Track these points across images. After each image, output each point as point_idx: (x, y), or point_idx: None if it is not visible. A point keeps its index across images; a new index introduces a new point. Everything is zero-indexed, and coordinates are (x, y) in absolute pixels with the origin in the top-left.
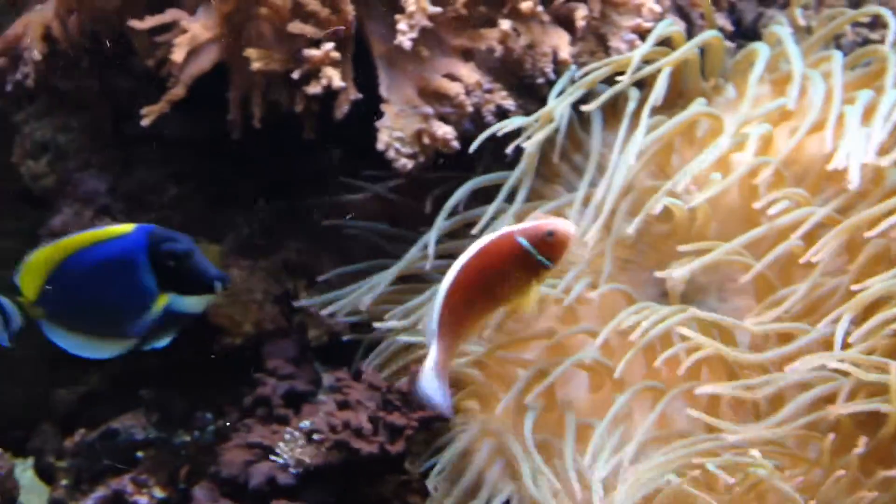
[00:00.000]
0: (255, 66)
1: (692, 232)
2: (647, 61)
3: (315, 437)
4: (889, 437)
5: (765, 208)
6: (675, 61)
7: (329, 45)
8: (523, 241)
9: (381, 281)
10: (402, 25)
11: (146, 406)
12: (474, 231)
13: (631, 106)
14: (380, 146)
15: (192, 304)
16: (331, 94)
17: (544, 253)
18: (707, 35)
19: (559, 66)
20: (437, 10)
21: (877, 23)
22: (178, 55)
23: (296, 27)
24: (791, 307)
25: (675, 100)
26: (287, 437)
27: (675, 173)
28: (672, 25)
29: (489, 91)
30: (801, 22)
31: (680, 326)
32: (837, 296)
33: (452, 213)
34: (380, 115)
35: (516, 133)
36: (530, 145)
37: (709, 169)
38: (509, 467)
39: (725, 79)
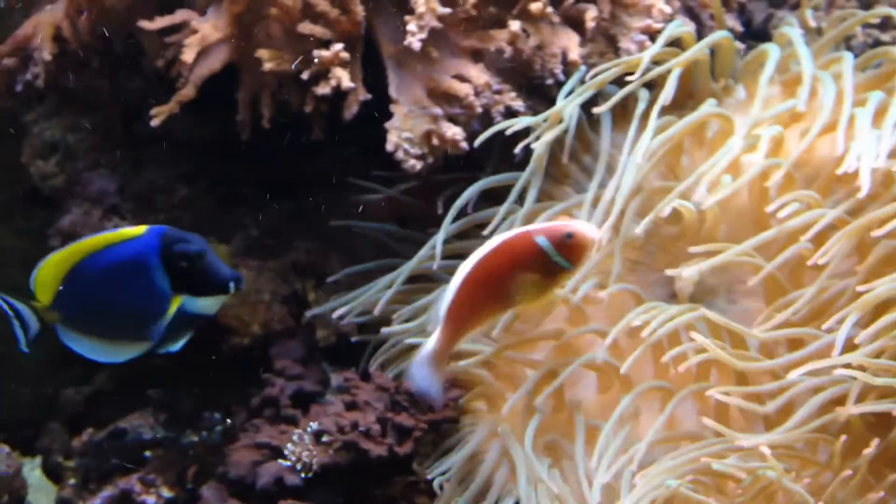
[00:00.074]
0: (267, 66)
1: (701, 234)
2: (656, 62)
3: (324, 438)
4: None
5: (776, 211)
6: (686, 61)
7: (338, 46)
8: (542, 241)
9: (393, 282)
10: (411, 26)
11: (154, 406)
12: (485, 232)
13: (641, 107)
14: (389, 147)
15: (206, 305)
16: (340, 94)
17: (563, 255)
18: (717, 35)
19: (569, 67)
20: (447, 10)
21: (888, 24)
22: (188, 55)
23: (306, 28)
24: (799, 310)
25: (686, 101)
26: (295, 438)
27: (685, 174)
28: (682, 26)
29: (498, 92)
30: (812, 23)
31: (690, 330)
32: (846, 298)
33: (461, 214)
34: (389, 115)
35: (525, 134)
36: (539, 146)
37: (720, 172)
38: (514, 472)
39: (735, 80)
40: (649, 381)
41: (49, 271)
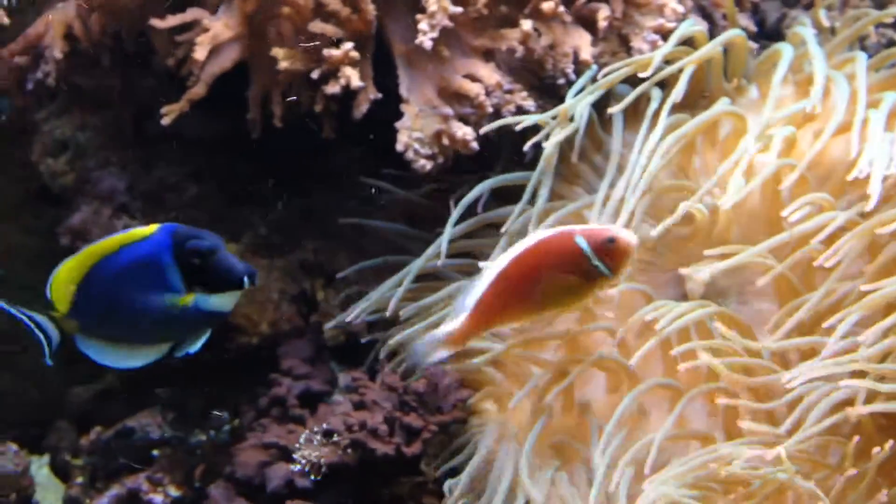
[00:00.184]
0: (283, 65)
1: (714, 235)
2: (669, 61)
3: (331, 438)
4: None
5: (789, 215)
6: (699, 59)
7: (348, 45)
8: (582, 243)
9: (403, 281)
10: (423, 25)
11: (162, 405)
12: (503, 230)
13: (653, 106)
14: (399, 147)
15: (221, 302)
16: (350, 93)
17: (602, 259)
18: (731, 34)
19: (580, 67)
20: (459, 9)
21: None
22: (200, 53)
23: (317, 26)
24: (808, 313)
25: (698, 100)
26: (303, 438)
27: (696, 174)
28: (695, 25)
29: (509, 92)
30: (826, 23)
31: (703, 329)
32: (855, 299)
33: (471, 214)
34: (399, 115)
35: (535, 134)
36: (549, 146)
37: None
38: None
39: (748, 80)
40: (656, 378)
41: (63, 279)
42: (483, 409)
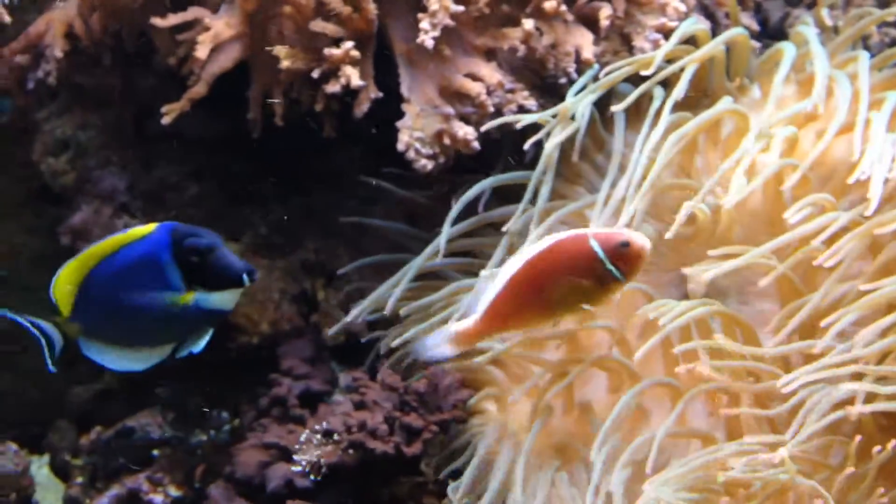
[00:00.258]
0: (285, 64)
1: (716, 235)
2: (671, 60)
3: (332, 437)
4: None
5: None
6: (701, 58)
7: (349, 44)
8: (596, 245)
9: (402, 279)
10: (424, 24)
11: (162, 404)
12: (504, 228)
13: (655, 105)
14: (400, 146)
15: (222, 300)
16: (351, 92)
17: (616, 263)
18: (733, 32)
19: (582, 66)
20: (460, 8)
21: None
22: (201, 52)
23: (318, 25)
24: (808, 313)
25: (701, 99)
26: (303, 438)
27: (698, 174)
28: (697, 24)
29: (511, 91)
30: (828, 22)
31: (703, 327)
32: (855, 298)
33: (472, 213)
34: (400, 114)
35: (536, 132)
36: (550, 145)
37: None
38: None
39: (751, 79)
40: (656, 377)
41: (65, 282)
42: (484, 409)
